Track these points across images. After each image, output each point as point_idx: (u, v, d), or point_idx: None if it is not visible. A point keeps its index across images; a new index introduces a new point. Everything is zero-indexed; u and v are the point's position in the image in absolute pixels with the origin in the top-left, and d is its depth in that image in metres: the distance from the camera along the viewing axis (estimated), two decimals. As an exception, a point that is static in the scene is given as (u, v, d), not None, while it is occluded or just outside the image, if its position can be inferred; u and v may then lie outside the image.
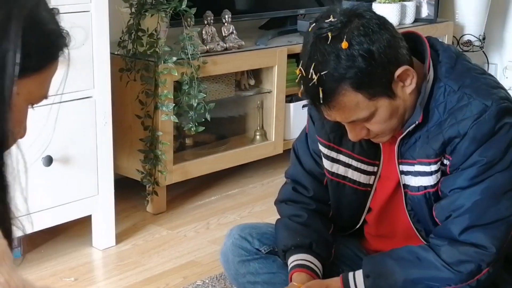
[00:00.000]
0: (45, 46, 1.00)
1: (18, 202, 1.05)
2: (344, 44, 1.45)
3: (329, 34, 1.46)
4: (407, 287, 1.56)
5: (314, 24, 1.51)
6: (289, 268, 1.71)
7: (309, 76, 1.47)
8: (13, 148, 1.02)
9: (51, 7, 1.02)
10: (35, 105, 1.04)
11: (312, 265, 1.70)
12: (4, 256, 0.89)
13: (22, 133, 1.04)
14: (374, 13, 1.53)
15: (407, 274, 1.56)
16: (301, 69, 1.50)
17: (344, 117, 1.52)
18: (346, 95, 1.47)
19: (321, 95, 1.46)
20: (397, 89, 1.52)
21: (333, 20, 1.48)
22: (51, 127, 1.93)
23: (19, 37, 0.95)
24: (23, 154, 1.02)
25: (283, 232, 1.77)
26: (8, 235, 1.01)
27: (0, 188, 1.01)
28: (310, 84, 1.47)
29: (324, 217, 1.78)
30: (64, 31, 1.03)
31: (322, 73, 1.45)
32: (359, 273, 1.61)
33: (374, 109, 1.50)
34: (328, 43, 1.46)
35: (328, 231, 1.77)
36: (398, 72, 1.50)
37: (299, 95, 1.55)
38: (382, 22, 1.51)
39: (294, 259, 1.71)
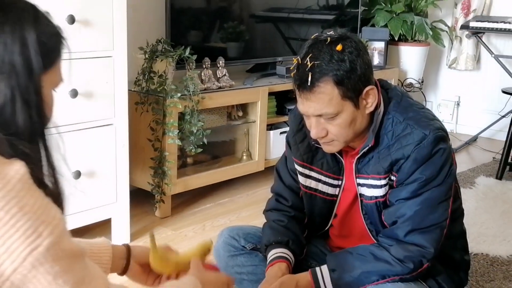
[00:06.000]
0: (54, 43, 0.97)
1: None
2: (339, 47, 1.46)
3: (329, 38, 1.48)
4: (364, 277, 1.55)
5: (315, 35, 1.53)
6: (270, 259, 1.68)
7: (305, 62, 1.47)
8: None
9: (43, 11, 0.97)
10: (56, 89, 1.01)
11: (288, 257, 1.68)
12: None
13: (51, 113, 1.01)
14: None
15: (365, 267, 1.55)
16: (299, 58, 1.50)
17: (317, 108, 1.49)
18: (328, 84, 1.46)
19: (309, 79, 1.46)
20: (361, 104, 1.51)
21: (333, 33, 1.51)
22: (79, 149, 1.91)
23: (36, 43, 0.92)
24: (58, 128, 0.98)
25: (267, 231, 1.75)
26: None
27: (50, 166, 0.99)
28: (303, 68, 1.47)
29: (300, 223, 1.77)
30: (58, 27, 0.99)
31: (316, 62, 1.46)
32: (324, 268, 1.59)
33: (341, 110, 1.49)
34: (327, 43, 1.48)
35: (303, 234, 1.76)
36: (367, 88, 1.50)
37: (291, 75, 1.53)
38: (366, 49, 1.54)
39: (274, 252, 1.69)
